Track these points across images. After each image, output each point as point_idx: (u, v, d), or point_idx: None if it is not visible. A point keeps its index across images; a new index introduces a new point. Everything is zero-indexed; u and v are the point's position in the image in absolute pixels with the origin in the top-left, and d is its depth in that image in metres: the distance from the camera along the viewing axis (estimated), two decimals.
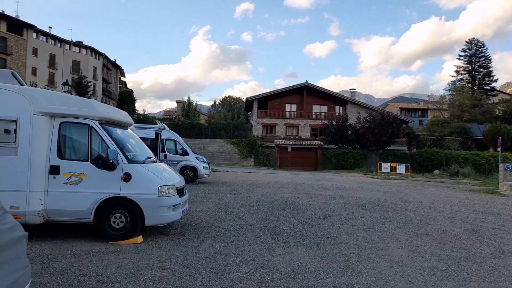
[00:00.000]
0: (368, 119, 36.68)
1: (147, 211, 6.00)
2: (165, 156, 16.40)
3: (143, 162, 6.47)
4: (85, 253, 5.31)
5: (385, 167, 30.33)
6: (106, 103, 65.64)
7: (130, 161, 6.14)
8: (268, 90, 49.44)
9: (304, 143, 39.09)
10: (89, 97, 40.17)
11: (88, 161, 6.01)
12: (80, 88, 47.63)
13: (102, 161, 5.88)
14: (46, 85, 55.01)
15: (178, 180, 6.90)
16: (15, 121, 5.77)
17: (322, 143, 38.27)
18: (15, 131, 5.77)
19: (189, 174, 16.47)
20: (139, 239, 6.07)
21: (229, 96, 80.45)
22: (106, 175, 5.94)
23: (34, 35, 56.67)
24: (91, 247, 5.63)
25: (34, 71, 56.01)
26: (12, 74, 6.59)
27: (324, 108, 46.99)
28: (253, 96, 46.15)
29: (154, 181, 6.13)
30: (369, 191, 15.29)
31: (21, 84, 6.63)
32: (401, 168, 29.48)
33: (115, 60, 75.38)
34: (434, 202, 12.41)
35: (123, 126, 7.31)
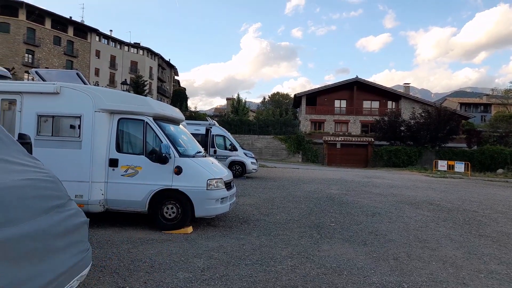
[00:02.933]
0: (423, 114, 34.87)
1: (196, 203, 6.26)
2: (215, 151, 16.87)
3: (193, 156, 6.74)
4: (140, 240, 5.67)
5: (442, 165, 28.67)
6: (161, 101, 68.72)
7: (181, 155, 6.43)
8: (317, 86, 48.62)
9: (353, 139, 38.14)
10: (146, 95, 42.34)
11: (143, 154, 6.39)
12: (137, 87, 50.28)
13: (156, 155, 6.22)
14: (107, 84, 58.87)
15: (226, 174, 7.10)
16: (79, 117, 6.29)
17: (373, 140, 37.09)
18: (79, 126, 6.30)
19: (238, 169, 16.79)
20: (190, 229, 6.35)
21: (278, 93, 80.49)
22: (159, 168, 6.28)
23: (97, 38, 60.79)
24: (145, 235, 6.00)
25: (97, 72, 60.13)
26: (77, 74, 7.16)
27: (376, 104, 45.41)
28: (301, 92, 45.79)
29: (203, 175, 6.38)
30: (423, 190, 14.58)
31: (84, 83, 7.19)
32: (459, 167, 27.68)
33: (169, 59, 78.59)
34: (496, 203, 11.55)
35: (175, 122, 7.66)
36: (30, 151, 4.04)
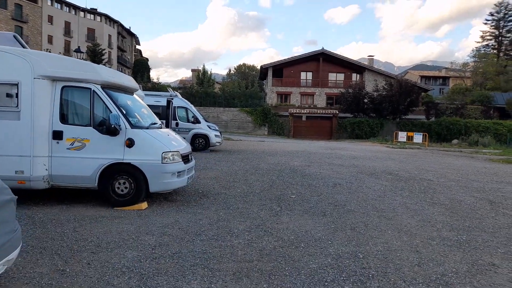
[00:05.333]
0: (385, 87, 35.59)
1: (151, 177, 5.93)
2: (177, 124, 16.34)
3: (147, 128, 6.34)
4: (89, 218, 5.31)
5: (402, 136, 29.69)
6: (121, 71, 65.64)
7: (133, 126, 6.01)
8: (285, 58, 48.06)
9: (319, 111, 38.49)
10: (104, 65, 40.21)
11: (91, 126, 5.91)
12: (95, 56, 47.57)
13: (105, 126, 5.77)
14: (61, 52, 55.15)
15: (183, 146, 6.78)
16: (16, 85, 5.67)
17: (337, 112, 37.59)
18: (16, 95, 5.68)
19: (201, 142, 16.43)
20: (144, 205, 6.04)
21: (244, 64, 79.21)
22: (109, 140, 5.85)
23: (49, 2, 56.36)
24: (95, 213, 5.64)
25: (50, 39, 56.12)
26: (14, 36, 6.44)
27: (341, 76, 45.82)
28: (267, 64, 45.23)
29: (157, 147, 6.02)
30: (383, 160, 14.97)
31: (23, 47, 6.48)
32: (418, 137, 28.78)
33: (130, 27, 74.72)
34: (450, 172, 12.05)
35: (128, 91, 7.14)
36: None
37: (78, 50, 19.44)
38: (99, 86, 5.99)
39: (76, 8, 60.53)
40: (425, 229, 5.35)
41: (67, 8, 59.47)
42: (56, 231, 4.68)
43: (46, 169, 5.85)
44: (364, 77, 44.63)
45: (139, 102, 7.27)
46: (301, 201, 6.97)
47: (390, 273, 3.70)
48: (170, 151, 6.10)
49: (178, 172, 6.23)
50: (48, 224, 4.95)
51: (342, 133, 36.67)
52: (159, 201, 6.54)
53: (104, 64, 42.22)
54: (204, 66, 52.65)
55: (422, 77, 70.17)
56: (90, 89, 5.93)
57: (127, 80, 7.08)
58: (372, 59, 52.12)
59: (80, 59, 20.33)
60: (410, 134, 29.57)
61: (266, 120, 38.03)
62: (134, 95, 7.45)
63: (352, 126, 35.98)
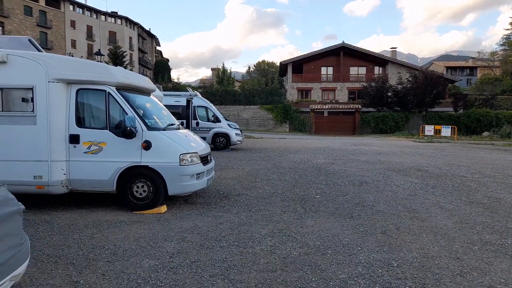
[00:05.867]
0: (410, 79, 34.44)
1: (169, 180, 5.74)
2: (197, 124, 16.24)
3: (164, 129, 6.15)
4: (107, 223, 5.17)
5: (429, 130, 28.62)
6: (142, 72, 66.71)
7: (149, 128, 5.83)
8: (304, 53, 47.22)
9: (341, 107, 37.73)
10: (125, 67, 40.75)
11: (107, 129, 5.77)
12: (116, 58, 48.36)
13: (120, 129, 5.61)
14: (82, 56, 56.46)
15: (202, 147, 6.56)
16: (31, 89, 5.59)
17: (360, 107, 36.74)
18: (32, 99, 5.60)
19: (222, 141, 16.26)
20: (163, 208, 5.86)
21: (263, 61, 78.72)
22: (126, 143, 5.69)
23: (71, 7, 57.67)
24: (114, 217, 5.49)
25: (73, 44, 57.48)
26: (29, 40, 6.38)
27: (362, 70, 44.73)
28: (287, 60, 44.67)
29: (175, 149, 5.82)
30: (411, 156, 14.34)
31: (39, 50, 6.42)
32: (446, 131, 27.67)
33: (150, 29, 75.69)
34: (484, 167, 11.35)
35: (145, 92, 6.99)
36: None
37: (98, 53, 19.66)
38: (114, 87, 5.83)
39: (97, 12, 61.73)
40: (463, 232, 4.91)
41: (89, 12, 60.73)
42: (73, 237, 4.54)
43: (64, 174, 5.76)
44: (387, 70, 43.40)
45: (156, 103, 7.10)
46: (326, 201, 6.62)
47: (430, 285, 3.34)
48: (188, 153, 5.89)
49: (197, 174, 6.01)
50: (66, 230, 4.83)
51: (366, 128, 35.80)
52: (179, 204, 6.35)
53: (125, 66, 42.81)
54: (223, 64, 52.63)
55: (447, 68, 67.74)
56: (105, 91, 5.79)
57: (143, 81, 6.92)
58: (395, 51, 50.63)
59: (101, 61, 20.58)
60: (437, 127, 28.47)
61: (287, 117, 37.59)
62: (151, 96, 7.29)
63: (376, 121, 35.06)
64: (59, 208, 6.00)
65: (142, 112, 6.21)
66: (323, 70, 45.00)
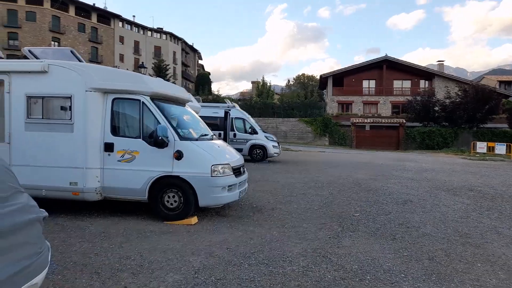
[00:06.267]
0: (459, 93, 32.59)
1: (200, 191, 5.59)
2: (234, 135, 16.21)
3: (196, 139, 6.05)
4: (137, 233, 5.08)
5: (481, 147, 26.72)
6: (185, 86, 68.81)
7: (182, 138, 5.74)
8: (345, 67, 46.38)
9: (384, 121, 36.43)
10: (168, 80, 42.12)
11: (140, 138, 5.75)
12: (159, 71, 50.19)
13: (152, 138, 5.57)
14: (128, 69, 59.25)
15: (235, 158, 6.38)
16: (70, 98, 5.71)
17: (404, 121, 35.24)
18: (70, 108, 5.72)
19: (258, 153, 16.09)
20: (194, 220, 5.70)
21: (303, 75, 78.48)
22: (158, 152, 5.63)
23: (120, 24, 61.07)
24: (145, 227, 5.41)
25: (121, 58, 60.59)
26: (71, 51, 6.58)
27: (407, 83, 43.09)
28: (327, 73, 44.11)
29: (206, 160, 5.68)
30: (461, 174, 13.32)
31: (80, 61, 6.60)
32: (500, 148, 25.68)
33: (193, 44, 78.27)
34: None
35: (180, 102, 6.97)
36: None
37: (142, 66, 20.39)
38: (148, 97, 5.83)
39: (144, 28, 64.83)
40: None
41: (136, 28, 63.96)
42: (102, 246, 4.48)
43: (99, 181, 5.79)
44: (434, 83, 41.49)
45: (190, 113, 7.05)
46: (366, 220, 6.16)
47: None
48: (220, 164, 5.72)
49: (229, 186, 5.82)
50: (96, 238, 4.79)
51: (410, 143, 34.21)
52: (210, 216, 6.17)
53: (167, 79, 44.29)
54: (263, 77, 52.97)
55: (501, 82, 63.55)
56: (140, 100, 5.79)
57: (178, 91, 6.90)
58: (442, 64, 48.43)
59: (144, 74, 21.36)
60: (490, 144, 26.52)
61: (327, 130, 36.84)
62: (186, 106, 7.26)
63: (422, 136, 33.42)
64: (94, 215, 6.04)
65: (175, 122, 6.16)
66: (365, 83, 43.90)
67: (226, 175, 5.80)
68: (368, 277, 3.73)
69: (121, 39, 60.76)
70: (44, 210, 2.94)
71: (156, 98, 6.00)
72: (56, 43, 51.73)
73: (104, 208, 6.38)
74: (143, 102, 5.76)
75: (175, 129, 5.75)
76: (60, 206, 6.23)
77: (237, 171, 6.19)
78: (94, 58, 54.41)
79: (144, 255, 4.18)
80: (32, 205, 2.66)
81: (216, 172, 5.65)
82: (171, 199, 5.69)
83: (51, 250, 4.18)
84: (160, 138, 5.44)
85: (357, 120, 36.72)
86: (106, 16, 58.84)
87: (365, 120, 36.91)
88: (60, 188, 5.73)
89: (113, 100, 5.84)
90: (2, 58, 6.63)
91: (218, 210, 6.54)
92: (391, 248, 4.72)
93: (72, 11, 53.88)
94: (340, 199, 7.98)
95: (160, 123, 5.61)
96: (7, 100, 5.84)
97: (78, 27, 54.59)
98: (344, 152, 26.69)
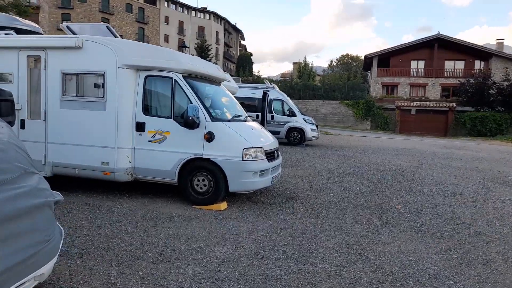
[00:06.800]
0: None
1: (230, 175, 5.33)
2: (272, 117, 15.82)
3: (229, 121, 5.76)
4: (164, 216, 4.94)
5: None
6: (227, 66, 68.86)
7: (214, 119, 5.48)
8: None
9: (432, 104, 34.28)
10: (210, 60, 42.21)
11: (171, 118, 5.56)
12: (202, 51, 50.40)
13: (182, 118, 5.35)
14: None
15: (269, 142, 6.04)
16: (103, 74, 5.60)
17: (454, 105, 32.95)
18: (103, 85, 5.62)
19: (296, 136, 15.63)
20: (223, 205, 5.48)
21: (347, 55, 75.59)
22: (189, 133, 5.41)
23: (166, 4, 61.62)
24: (173, 210, 5.27)
25: (166, 38, 61.41)
26: (107, 27, 6.44)
27: (460, 64, 40.01)
28: (372, 53, 41.94)
29: (238, 142, 5.38)
30: None
31: (115, 37, 6.47)
32: None
33: (236, 24, 77.57)
34: None
35: (214, 81, 6.68)
36: (10, 110, 3.34)
37: (183, 45, 20.37)
38: (181, 75, 5.58)
39: (189, 8, 65.04)
40: None
41: (181, 8, 64.31)
42: (127, 229, 4.37)
43: (129, 161, 5.70)
44: (491, 64, 38.20)
45: (225, 93, 6.76)
46: (409, 213, 5.64)
47: None
48: (252, 147, 5.41)
49: (261, 171, 5.51)
50: (123, 221, 4.70)
51: (460, 129, 32.03)
52: (240, 201, 5.93)
53: (210, 59, 44.34)
54: (305, 58, 51.74)
55: None
56: (172, 78, 5.56)
57: (212, 69, 6.60)
58: (502, 43, 44.39)
59: (186, 53, 21.42)
60: None
61: (369, 114, 35.37)
62: (221, 86, 6.97)
63: (473, 122, 31.13)
64: (125, 196, 6.00)
65: (208, 101, 5.91)
66: (413, 64, 41.32)
67: (258, 159, 5.49)
68: (411, 282, 3.31)
69: (166, 19, 61.43)
70: (58, 193, 2.79)
71: (189, 76, 5.75)
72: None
73: (136, 189, 6.33)
74: (175, 80, 5.53)
75: (207, 109, 5.48)
76: (93, 186, 6.27)
77: (270, 156, 5.86)
78: (141, 39, 55.54)
79: (168, 242, 4.01)
80: (42, 188, 2.51)
81: (248, 156, 5.35)
82: (201, 182, 5.49)
83: (77, 233, 4.15)
84: (190, 118, 5.20)
85: (403, 104, 34.85)
86: None
87: (411, 104, 34.93)
88: (92, 168, 5.71)
89: (146, 77, 5.66)
90: (42, 34, 6.65)
91: (249, 195, 6.28)
92: (438, 247, 4.22)
93: None
94: (380, 188, 7.44)
95: (191, 102, 5.37)
96: (43, 77, 5.85)
97: (126, 7, 55.73)
98: (387, 137, 25.49)
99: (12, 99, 3.31)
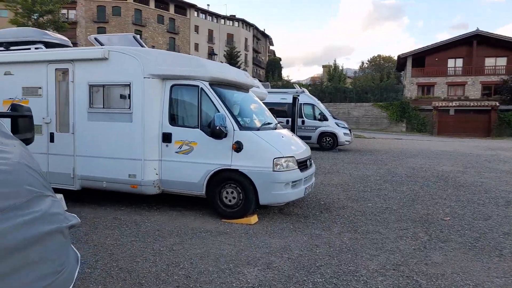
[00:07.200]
0: None
1: (260, 187, 5.02)
2: (303, 122, 15.40)
3: (258, 129, 5.46)
4: (192, 232, 4.70)
5: None
6: (256, 72, 69.01)
7: (242, 127, 5.20)
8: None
9: (472, 104, 32.47)
10: (239, 67, 42.37)
11: (198, 128, 5.33)
12: (231, 58, 50.74)
13: (209, 128, 5.10)
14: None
15: (301, 150, 5.68)
16: (129, 85, 5.48)
17: (497, 104, 31.04)
18: (129, 96, 5.49)
19: (328, 141, 15.13)
20: (253, 219, 5.17)
21: (379, 56, 73.62)
22: (216, 143, 5.16)
23: (195, 13, 62.80)
24: (201, 225, 5.02)
25: (196, 47, 62.47)
26: (133, 37, 6.39)
27: (502, 61, 37.66)
28: (406, 53, 40.44)
29: (268, 152, 5.07)
30: None
31: (141, 46, 6.38)
32: None
33: (264, 29, 77.81)
34: None
35: (242, 88, 6.43)
36: (28, 126, 3.19)
37: (212, 53, 20.41)
38: (207, 83, 5.36)
39: (218, 16, 65.92)
40: None
41: (210, 17, 65.30)
42: (153, 247, 4.15)
43: (156, 174, 5.53)
44: None
45: (253, 100, 6.48)
46: (460, 227, 5.08)
47: None
48: (283, 157, 5.08)
49: (293, 182, 5.16)
50: (149, 237, 4.49)
51: (504, 129, 30.12)
52: (272, 214, 5.60)
53: (238, 66, 44.51)
54: (335, 61, 50.82)
55: None
56: (198, 86, 5.35)
57: (240, 75, 6.35)
58: None
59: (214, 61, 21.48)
60: None
61: (404, 115, 34.05)
62: (250, 92, 6.70)
63: None
64: (153, 209, 5.83)
65: (236, 109, 5.65)
66: (450, 62, 39.40)
67: (290, 169, 5.14)
68: None
69: (196, 29, 62.55)
70: (74, 216, 2.56)
71: (216, 84, 5.52)
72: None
73: (164, 201, 6.15)
74: (201, 88, 5.30)
75: (235, 117, 5.22)
76: (122, 198, 6.16)
77: (303, 165, 5.50)
78: (172, 48, 56.78)
79: (195, 262, 3.74)
80: (54, 213, 2.28)
81: (278, 166, 5.02)
82: (230, 195, 5.21)
83: (101, 251, 3.97)
84: (217, 128, 4.95)
85: (440, 104, 33.24)
86: (182, 7, 60.83)
87: (450, 104, 33.25)
88: (119, 180, 5.59)
89: (172, 86, 5.48)
90: (70, 46, 6.67)
91: (281, 207, 5.93)
92: (499, 268, 3.69)
93: (152, 3, 56.60)
94: (423, 197, 6.87)
95: (218, 111, 5.12)
96: (71, 90, 5.82)
97: (157, 19, 57.27)
98: (424, 140, 24.32)
99: (30, 115, 3.16)
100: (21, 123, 3.11)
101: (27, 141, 3.03)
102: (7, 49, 6.15)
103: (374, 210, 5.88)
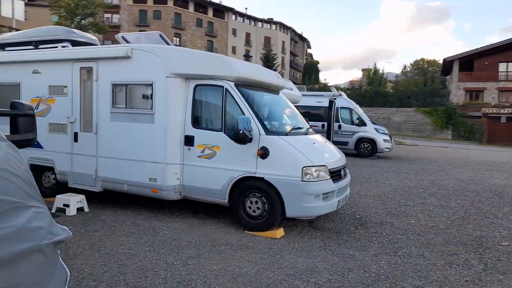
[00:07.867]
0: None
1: (287, 198, 4.54)
2: (339, 127, 14.69)
3: (286, 134, 4.99)
4: (211, 244, 4.30)
5: None
6: (293, 75, 68.41)
7: (268, 132, 4.75)
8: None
9: None
10: (275, 70, 42.00)
11: (222, 131, 4.95)
12: (267, 61, 50.46)
13: (233, 132, 4.70)
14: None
15: (334, 159, 5.14)
16: (151, 85, 5.20)
17: None
18: (151, 96, 5.22)
19: (366, 147, 14.32)
20: (279, 233, 4.69)
21: (422, 59, 70.36)
22: (241, 148, 4.75)
23: (233, 17, 63.31)
24: (222, 236, 4.62)
25: (234, 50, 62.88)
26: (160, 35, 6.15)
27: None
28: (452, 56, 38.16)
29: (297, 160, 4.58)
30: None
31: (168, 45, 6.14)
32: None
33: (302, 32, 76.95)
34: None
35: (272, 89, 5.98)
36: (30, 126, 2.93)
37: (247, 55, 20.10)
38: (233, 83, 4.96)
39: (255, 19, 66.06)
40: None
41: (248, 20, 65.58)
42: (166, 260, 3.80)
43: (178, 178, 5.20)
44: None
45: (284, 102, 6.02)
46: None
47: None
48: (313, 166, 4.57)
49: (324, 194, 4.63)
50: (164, 247, 4.15)
51: None
52: (301, 227, 5.09)
53: (275, 69, 44.10)
54: (375, 64, 49.11)
55: None
56: (223, 87, 4.96)
57: (270, 76, 5.90)
58: None
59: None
60: None
61: (450, 122, 32.04)
62: (280, 94, 6.24)
63: None
64: (175, 215, 5.51)
65: (264, 112, 5.22)
66: (502, 66, 36.70)
67: (321, 179, 4.62)
68: None
69: (234, 32, 63.03)
70: (65, 229, 2.22)
71: (242, 84, 5.11)
72: (177, 39, 56.16)
73: (187, 207, 5.81)
74: (226, 89, 4.92)
75: (261, 121, 4.78)
76: (145, 202, 5.90)
77: (336, 175, 4.95)
78: (210, 51, 57.57)
79: (209, 281, 3.33)
80: (34, 228, 1.92)
81: (308, 175, 4.51)
82: (254, 205, 4.77)
83: (111, 261, 3.66)
84: (241, 131, 4.53)
85: (491, 111, 30.94)
86: (220, 10, 61.57)
87: (501, 111, 30.86)
88: (140, 184, 5.32)
89: (195, 86, 5.14)
90: (97, 45, 6.55)
91: (311, 220, 5.40)
92: None
93: (191, 7, 57.71)
94: (475, 215, 6.07)
95: (243, 114, 4.71)
96: (95, 89, 5.65)
97: (196, 22, 58.30)
98: (473, 149, 22.64)
99: (32, 113, 2.90)
100: (22, 122, 2.84)
101: (29, 142, 2.76)
102: (36, 47, 6.11)
103: (417, 229, 5.21)
